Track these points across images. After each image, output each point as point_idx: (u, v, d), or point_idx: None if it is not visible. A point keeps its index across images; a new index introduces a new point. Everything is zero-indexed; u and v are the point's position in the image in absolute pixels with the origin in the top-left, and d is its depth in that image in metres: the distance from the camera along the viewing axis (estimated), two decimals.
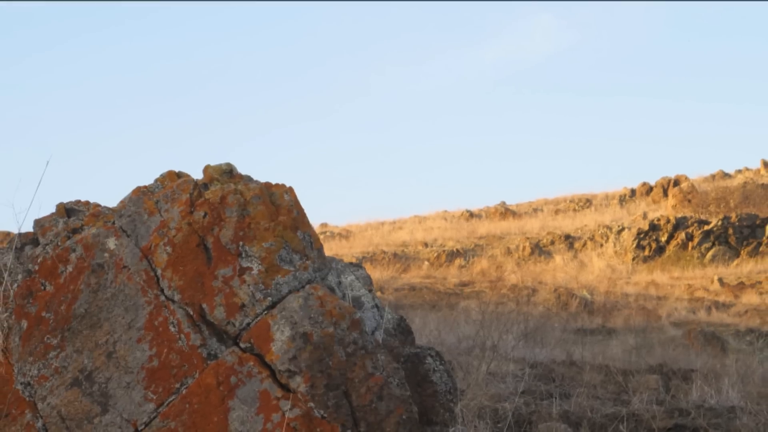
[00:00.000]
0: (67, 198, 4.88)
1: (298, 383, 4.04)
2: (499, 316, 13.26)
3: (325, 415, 4.00)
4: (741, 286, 21.31)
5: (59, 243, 4.59)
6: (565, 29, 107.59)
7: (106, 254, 4.46)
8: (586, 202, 36.98)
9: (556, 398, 7.67)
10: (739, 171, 37.48)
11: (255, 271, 4.27)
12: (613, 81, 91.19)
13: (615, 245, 27.59)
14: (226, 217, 4.39)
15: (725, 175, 37.00)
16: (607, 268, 25.51)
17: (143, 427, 4.16)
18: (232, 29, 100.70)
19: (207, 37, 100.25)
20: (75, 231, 4.64)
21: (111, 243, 4.49)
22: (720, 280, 21.87)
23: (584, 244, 28.52)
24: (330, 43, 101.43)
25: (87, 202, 4.86)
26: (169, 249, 4.38)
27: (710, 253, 24.93)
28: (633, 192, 36.58)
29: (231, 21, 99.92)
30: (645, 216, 30.33)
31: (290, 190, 4.58)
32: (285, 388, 4.06)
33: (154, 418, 4.15)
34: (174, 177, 4.71)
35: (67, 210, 4.82)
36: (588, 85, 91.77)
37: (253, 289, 4.24)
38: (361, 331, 4.22)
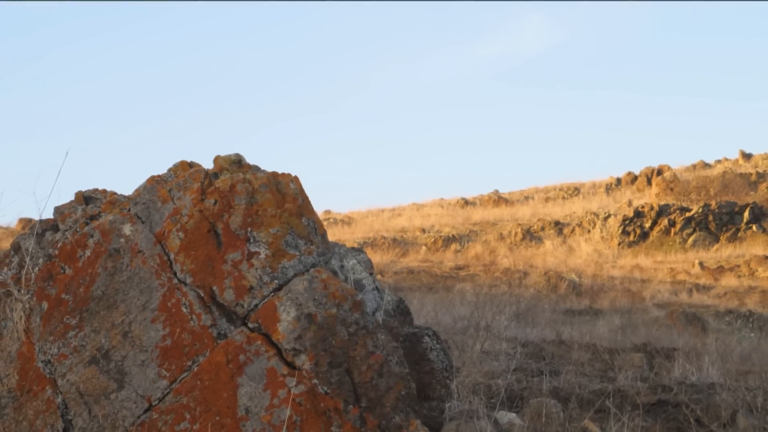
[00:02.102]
0: (86, 187, 4.88)
1: (303, 361, 4.04)
2: (492, 297, 13.26)
3: (329, 391, 4.01)
4: (720, 270, 21.30)
5: (78, 229, 4.58)
6: (555, 28, 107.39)
7: (122, 239, 4.46)
8: (575, 191, 36.92)
9: (546, 375, 7.66)
10: (719, 161, 37.39)
11: (262, 256, 4.27)
12: (600, 76, 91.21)
13: (602, 231, 27.56)
14: (236, 205, 4.38)
15: (705, 165, 36.91)
16: (594, 252, 25.47)
17: (157, 402, 4.16)
18: (241, 28, 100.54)
19: (217, 36, 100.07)
20: (93, 218, 4.63)
21: (127, 229, 4.48)
22: (701, 264, 21.85)
23: (573, 230, 28.50)
24: (333, 41, 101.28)
25: (104, 191, 4.85)
26: (181, 234, 4.38)
27: (691, 238, 24.90)
28: (619, 181, 36.51)
29: (240, 20, 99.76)
30: (630, 203, 30.27)
31: (296, 179, 4.56)
32: (290, 365, 4.06)
33: (168, 394, 4.16)
34: (186, 167, 4.70)
35: (85, 198, 4.81)
36: (577, 80, 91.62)
37: (260, 272, 4.24)
38: (362, 312, 4.21)
